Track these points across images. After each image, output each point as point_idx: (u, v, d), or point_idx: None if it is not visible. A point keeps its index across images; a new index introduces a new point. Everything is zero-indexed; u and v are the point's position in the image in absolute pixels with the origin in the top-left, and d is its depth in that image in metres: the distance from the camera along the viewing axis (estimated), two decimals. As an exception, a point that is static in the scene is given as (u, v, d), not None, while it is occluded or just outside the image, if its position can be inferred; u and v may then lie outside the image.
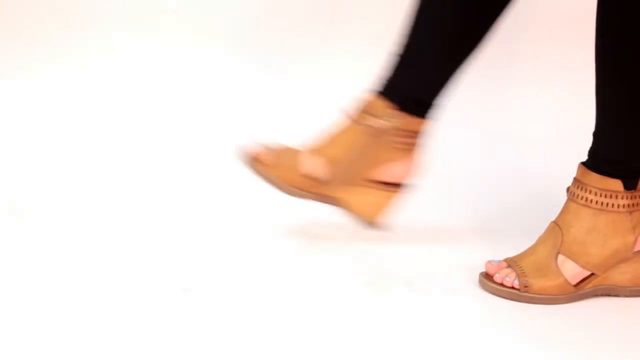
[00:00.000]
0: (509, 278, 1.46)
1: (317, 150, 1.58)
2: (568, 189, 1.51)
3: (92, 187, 1.80)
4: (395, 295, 1.45)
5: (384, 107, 1.55)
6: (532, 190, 1.93)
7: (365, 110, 1.56)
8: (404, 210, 1.73)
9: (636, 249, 1.50)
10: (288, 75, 2.13)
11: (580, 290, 1.47)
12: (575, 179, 1.50)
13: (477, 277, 1.50)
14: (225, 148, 1.86)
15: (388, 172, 1.59)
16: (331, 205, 1.60)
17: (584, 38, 1.82)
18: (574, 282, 1.47)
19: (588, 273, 1.48)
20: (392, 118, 1.55)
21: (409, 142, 1.57)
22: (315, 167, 1.57)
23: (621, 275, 1.49)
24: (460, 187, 1.94)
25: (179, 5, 2.11)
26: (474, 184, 1.95)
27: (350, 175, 1.57)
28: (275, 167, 1.57)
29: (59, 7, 2.09)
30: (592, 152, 1.49)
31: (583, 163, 1.50)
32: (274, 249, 1.59)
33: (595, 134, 1.49)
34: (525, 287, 1.45)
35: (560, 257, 1.47)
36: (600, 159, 1.47)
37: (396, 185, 1.60)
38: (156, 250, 1.55)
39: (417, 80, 1.55)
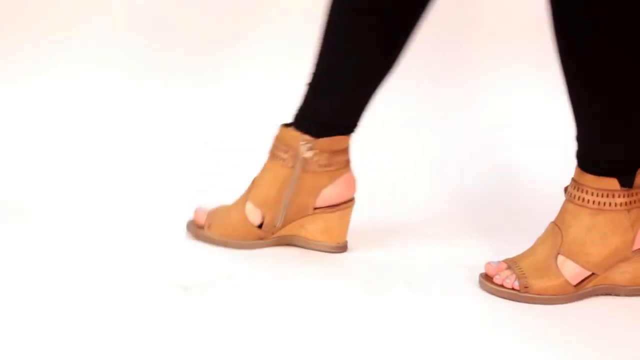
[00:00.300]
0: (509, 280, 1.46)
1: (251, 199, 1.56)
2: (566, 189, 1.51)
3: (90, 189, 1.81)
4: (395, 295, 1.45)
5: (303, 138, 1.53)
6: (531, 190, 1.93)
7: (285, 145, 1.55)
8: (405, 211, 1.73)
9: (636, 246, 1.50)
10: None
11: (580, 290, 1.48)
12: (572, 179, 1.50)
13: (477, 277, 1.50)
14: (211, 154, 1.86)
15: (329, 196, 1.57)
16: (291, 245, 1.60)
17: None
18: (575, 282, 1.47)
19: (588, 273, 1.48)
20: (312, 146, 1.53)
21: (338, 160, 1.56)
22: (255, 215, 1.57)
23: (621, 274, 1.49)
24: (460, 187, 1.94)
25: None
26: (474, 185, 1.96)
27: (295, 211, 1.57)
28: (220, 228, 1.56)
29: None
30: (580, 156, 1.49)
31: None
32: (274, 249, 1.59)
33: (579, 138, 1.48)
34: (526, 288, 1.45)
35: (560, 258, 1.47)
36: (590, 161, 1.47)
37: (342, 204, 1.59)
38: (155, 249, 1.55)
39: (330, 108, 1.54)
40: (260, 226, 1.57)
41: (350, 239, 1.61)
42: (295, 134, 1.54)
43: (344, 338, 1.31)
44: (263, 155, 1.59)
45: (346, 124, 1.56)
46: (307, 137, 1.53)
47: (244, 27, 2.10)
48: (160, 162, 1.96)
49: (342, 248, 1.59)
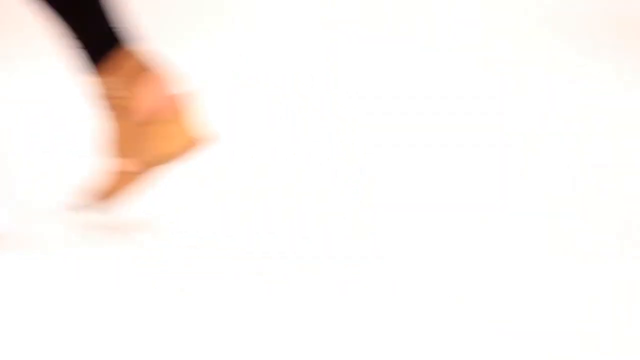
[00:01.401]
0: None
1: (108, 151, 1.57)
2: None
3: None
4: (396, 296, 1.44)
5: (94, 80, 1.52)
6: (533, 188, 1.93)
7: (103, 88, 1.52)
8: (400, 209, 1.73)
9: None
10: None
11: None
12: None
13: (476, 277, 1.49)
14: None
15: (144, 106, 1.53)
16: (161, 169, 1.58)
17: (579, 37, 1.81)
18: None
19: None
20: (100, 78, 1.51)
21: (133, 68, 1.51)
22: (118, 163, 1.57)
23: None
24: (455, 185, 1.95)
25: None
26: (473, 183, 1.96)
27: (138, 136, 1.55)
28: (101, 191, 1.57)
29: None
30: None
31: None
32: (267, 249, 1.59)
33: None
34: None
35: None
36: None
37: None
38: (154, 252, 1.56)
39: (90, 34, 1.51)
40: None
41: (339, 237, 1.60)
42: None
43: (344, 339, 1.31)
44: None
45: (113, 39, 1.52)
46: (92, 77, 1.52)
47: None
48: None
49: (211, 139, 1.55)
